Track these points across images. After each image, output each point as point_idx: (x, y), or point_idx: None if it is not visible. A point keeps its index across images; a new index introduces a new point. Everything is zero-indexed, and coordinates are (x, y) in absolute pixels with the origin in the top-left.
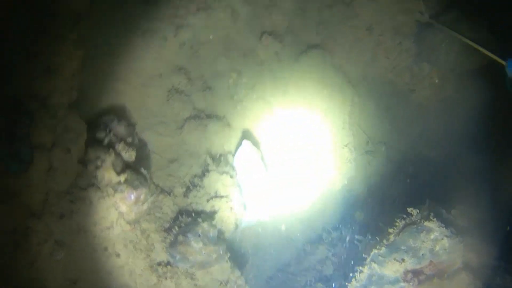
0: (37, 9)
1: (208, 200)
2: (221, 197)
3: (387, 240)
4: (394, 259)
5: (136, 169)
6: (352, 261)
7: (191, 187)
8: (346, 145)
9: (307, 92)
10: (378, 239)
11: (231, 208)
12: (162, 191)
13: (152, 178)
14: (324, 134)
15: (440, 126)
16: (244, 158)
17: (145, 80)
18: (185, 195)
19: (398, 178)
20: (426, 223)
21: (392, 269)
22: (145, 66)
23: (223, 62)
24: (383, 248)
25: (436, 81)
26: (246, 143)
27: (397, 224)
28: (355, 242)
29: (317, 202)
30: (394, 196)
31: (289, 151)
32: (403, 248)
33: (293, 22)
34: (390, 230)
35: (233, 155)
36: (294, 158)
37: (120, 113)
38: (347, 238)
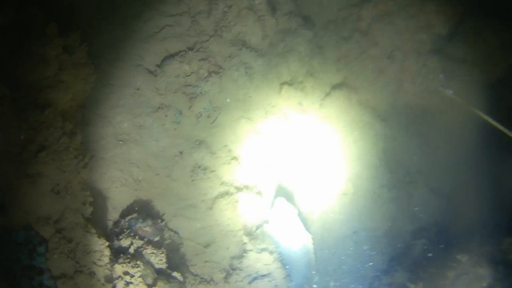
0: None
1: (250, 283)
2: (263, 277)
3: None
4: None
5: (168, 274)
6: None
7: (230, 271)
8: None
9: (338, 137)
10: None
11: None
12: (201, 280)
13: (188, 267)
14: (360, 176)
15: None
16: (280, 218)
17: (165, 163)
18: (226, 280)
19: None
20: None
21: None
22: (163, 147)
23: (245, 125)
24: None
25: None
26: (280, 201)
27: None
28: None
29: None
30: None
31: (327, 200)
32: None
33: (312, 64)
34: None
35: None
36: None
37: (144, 206)
38: None
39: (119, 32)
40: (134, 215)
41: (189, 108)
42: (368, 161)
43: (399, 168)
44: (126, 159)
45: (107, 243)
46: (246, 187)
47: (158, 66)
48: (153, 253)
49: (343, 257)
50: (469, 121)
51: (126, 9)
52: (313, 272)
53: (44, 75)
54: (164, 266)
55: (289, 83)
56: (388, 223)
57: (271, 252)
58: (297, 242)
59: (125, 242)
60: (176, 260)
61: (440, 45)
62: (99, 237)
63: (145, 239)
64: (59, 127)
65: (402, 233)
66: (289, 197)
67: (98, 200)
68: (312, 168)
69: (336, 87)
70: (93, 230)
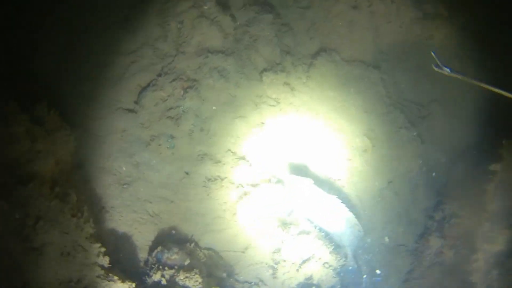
0: None
1: (298, 270)
2: (309, 259)
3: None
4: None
5: None
6: None
7: (275, 266)
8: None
9: (336, 100)
10: None
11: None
12: (250, 285)
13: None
14: (373, 128)
15: None
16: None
17: (176, 189)
18: (274, 276)
19: None
20: None
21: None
22: (168, 175)
23: (240, 124)
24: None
25: (446, 14)
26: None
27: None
28: None
29: None
30: None
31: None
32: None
33: (283, 43)
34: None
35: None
36: None
37: (169, 236)
38: None
39: (88, 85)
40: (159, 248)
41: (178, 126)
42: (375, 110)
43: (410, 104)
44: (136, 199)
45: (133, 285)
46: (263, 181)
47: (135, 102)
48: (186, 277)
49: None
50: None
51: (88, 60)
52: (360, 230)
53: (20, 152)
54: (201, 286)
55: (268, 69)
56: (418, 161)
57: (308, 232)
58: (326, 208)
59: (156, 277)
60: (220, 273)
61: None
62: (123, 281)
63: (176, 267)
64: (47, 195)
65: (434, 164)
66: (305, 173)
67: (125, 246)
68: (322, 139)
69: (316, 55)
70: (116, 277)
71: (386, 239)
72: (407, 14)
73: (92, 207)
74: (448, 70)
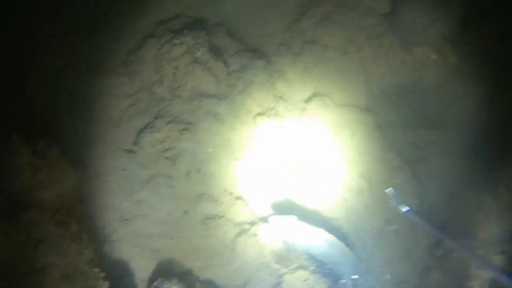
0: None
1: None
2: None
3: None
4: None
5: None
6: None
7: None
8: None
9: (331, 143)
10: None
11: None
12: None
13: None
14: (369, 169)
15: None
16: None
17: (175, 226)
18: None
19: None
20: None
21: None
22: (167, 213)
23: (236, 166)
24: None
25: (435, 56)
26: (273, 220)
27: None
28: None
29: None
30: None
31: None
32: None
33: (276, 88)
34: None
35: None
36: None
37: (169, 269)
38: None
39: (89, 126)
40: (159, 279)
41: (174, 166)
42: (371, 153)
43: (406, 146)
44: (137, 234)
45: None
46: (260, 219)
47: (134, 143)
48: None
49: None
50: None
51: (88, 103)
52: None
53: (22, 181)
54: None
55: (262, 113)
56: (416, 200)
57: (305, 268)
58: (316, 241)
59: None
60: None
61: (388, 19)
62: None
63: None
64: (49, 220)
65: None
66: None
67: (125, 277)
68: (319, 180)
69: (309, 99)
70: None
71: (388, 276)
72: (396, 57)
73: (93, 238)
74: (405, 210)
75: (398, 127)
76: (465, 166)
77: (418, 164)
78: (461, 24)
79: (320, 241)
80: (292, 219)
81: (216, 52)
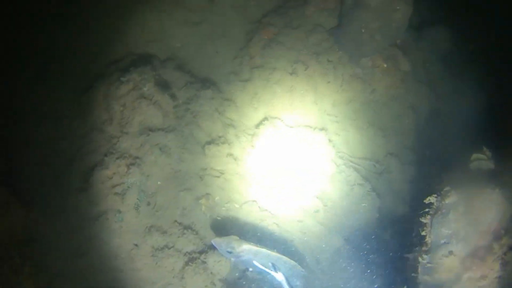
0: None
1: None
2: None
3: (426, 245)
4: (441, 259)
5: None
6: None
7: None
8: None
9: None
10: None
11: None
12: None
13: None
14: (324, 190)
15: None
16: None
17: (125, 260)
18: None
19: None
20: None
21: (446, 270)
22: (117, 247)
23: (187, 197)
24: (425, 256)
25: (385, 65)
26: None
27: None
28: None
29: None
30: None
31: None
32: (442, 241)
33: (226, 116)
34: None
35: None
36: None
37: None
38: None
39: (40, 168)
40: None
41: (123, 202)
42: (325, 172)
43: (364, 161)
44: (88, 269)
45: None
46: (209, 247)
47: (84, 181)
48: None
49: None
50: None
51: (41, 146)
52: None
53: None
54: None
55: (210, 142)
56: (376, 215)
57: None
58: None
59: None
60: None
61: (333, 34)
62: None
63: None
64: None
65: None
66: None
67: None
68: (272, 203)
69: (259, 124)
70: None
71: None
72: (345, 71)
73: (43, 276)
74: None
75: (354, 142)
76: (419, 172)
77: (377, 178)
78: (413, 30)
79: (263, 259)
80: (233, 238)
81: (164, 86)
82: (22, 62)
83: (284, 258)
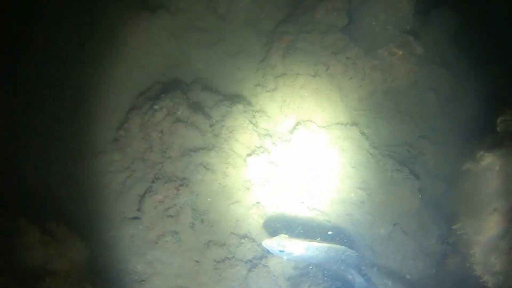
0: None
1: None
2: None
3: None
4: (487, 217)
5: None
6: None
7: None
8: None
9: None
10: None
11: None
12: None
13: None
14: (365, 180)
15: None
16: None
17: (189, 276)
18: None
19: None
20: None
21: (494, 227)
22: (180, 266)
23: (237, 208)
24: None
25: (400, 52)
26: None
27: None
28: None
29: None
30: None
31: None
32: (485, 202)
33: (259, 126)
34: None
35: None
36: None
37: None
38: None
39: (93, 203)
40: None
41: (180, 225)
42: (363, 164)
43: (397, 148)
44: None
45: None
46: (267, 251)
47: (138, 210)
48: None
49: None
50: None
51: (89, 183)
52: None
53: (35, 257)
54: None
55: (250, 154)
56: (418, 196)
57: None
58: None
59: None
60: None
61: (347, 31)
62: None
63: None
64: (63, 285)
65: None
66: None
67: None
68: (318, 201)
69: (293, 129)
70: None
71: (408, 276)
72: (364, 65)
73: None
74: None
75: (385, 132)
76: (451, 148)
77: (412, 161)
78: (420, 15)
79: (315, 252)
80: (282, 237)
81: (196, 107)
82: (51, 107)
83: (334, 245)
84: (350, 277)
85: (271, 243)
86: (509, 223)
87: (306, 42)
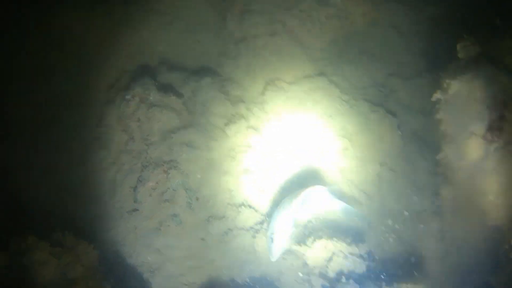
0: None
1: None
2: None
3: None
4: (465, 141)
5: None
6: None
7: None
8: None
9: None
10: None
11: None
12: None
13: None
14: (345, 127)
15: None
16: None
17: (198, 253)
18: None
19: None
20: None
21: (474, 150)
22: (187, 247)
23: (228, 179)
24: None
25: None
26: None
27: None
28: None
29: None
30: None
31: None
32: (460, 127)
33: (232, 95)
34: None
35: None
36: None
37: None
38: None
39: (90, 206)
40: None
41: (178, 207)
42: (338, 109)
43: (368, 89)
44: (169, 277)
45: None
46: (267, 216)
47: (134, 201)
48: None
49: None
50: None
51: (80, 186)
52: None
53: (50, 270)
54: None
55: (228, 123)
56: (398, 134)
57: (320, 237)
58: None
59: None
60: None
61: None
62: None
63: None
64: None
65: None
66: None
67: None
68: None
69: (264, 90)
70: None
71: (405, 213)
72: (320, 15)
73: None
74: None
75: (352, 76)
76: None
77: (386, 100)
78: None
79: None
80: (323, 188)
81: (166, 89)
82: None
83: (302, 192)
84: None
85: (312, 192)
86: (488, 144)
87: (259, 4)
